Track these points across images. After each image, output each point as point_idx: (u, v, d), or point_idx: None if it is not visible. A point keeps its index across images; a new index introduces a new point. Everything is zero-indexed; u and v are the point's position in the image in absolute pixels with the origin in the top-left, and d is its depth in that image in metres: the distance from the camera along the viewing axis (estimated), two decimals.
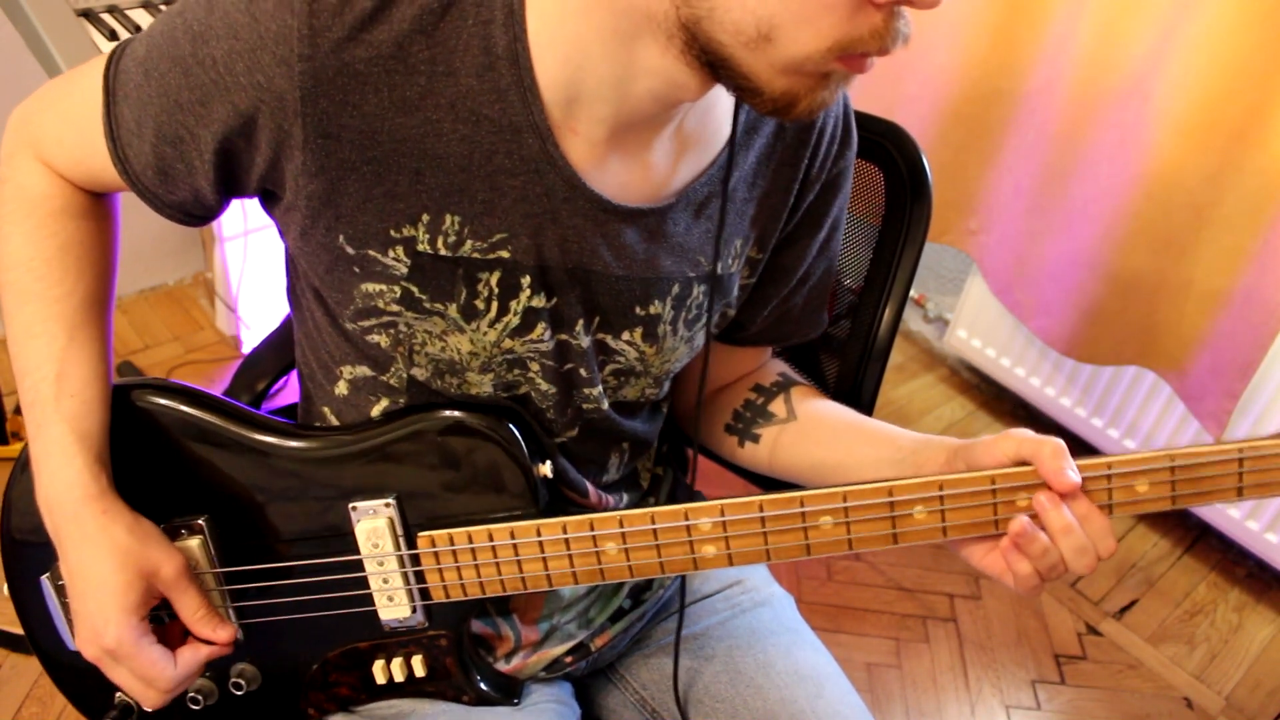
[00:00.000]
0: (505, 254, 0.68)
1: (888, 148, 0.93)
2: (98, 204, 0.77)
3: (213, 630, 0.73)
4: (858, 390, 0.98)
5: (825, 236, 0.84)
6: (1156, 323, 1.76)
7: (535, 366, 0.74)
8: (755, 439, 0.90)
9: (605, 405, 0.79)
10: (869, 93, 1.99)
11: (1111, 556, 0.67)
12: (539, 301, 0.71)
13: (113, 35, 1.30)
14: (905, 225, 0.93)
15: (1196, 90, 1.54)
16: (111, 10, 1.33)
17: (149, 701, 0.72)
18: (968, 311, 2.14)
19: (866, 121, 0.94)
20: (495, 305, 0.70)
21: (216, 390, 0.80)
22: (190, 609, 0.73)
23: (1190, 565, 1.99)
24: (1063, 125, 1.75)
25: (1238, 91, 1.52)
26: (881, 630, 1.80)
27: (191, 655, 0.73)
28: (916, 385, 2.38)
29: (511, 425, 0.74)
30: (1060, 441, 0.67)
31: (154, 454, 0.76)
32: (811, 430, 0.87)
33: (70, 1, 1.31)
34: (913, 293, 2.41)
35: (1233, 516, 1.85)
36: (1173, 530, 2.05)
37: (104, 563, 0.69)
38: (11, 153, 0.75)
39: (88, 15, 1.31)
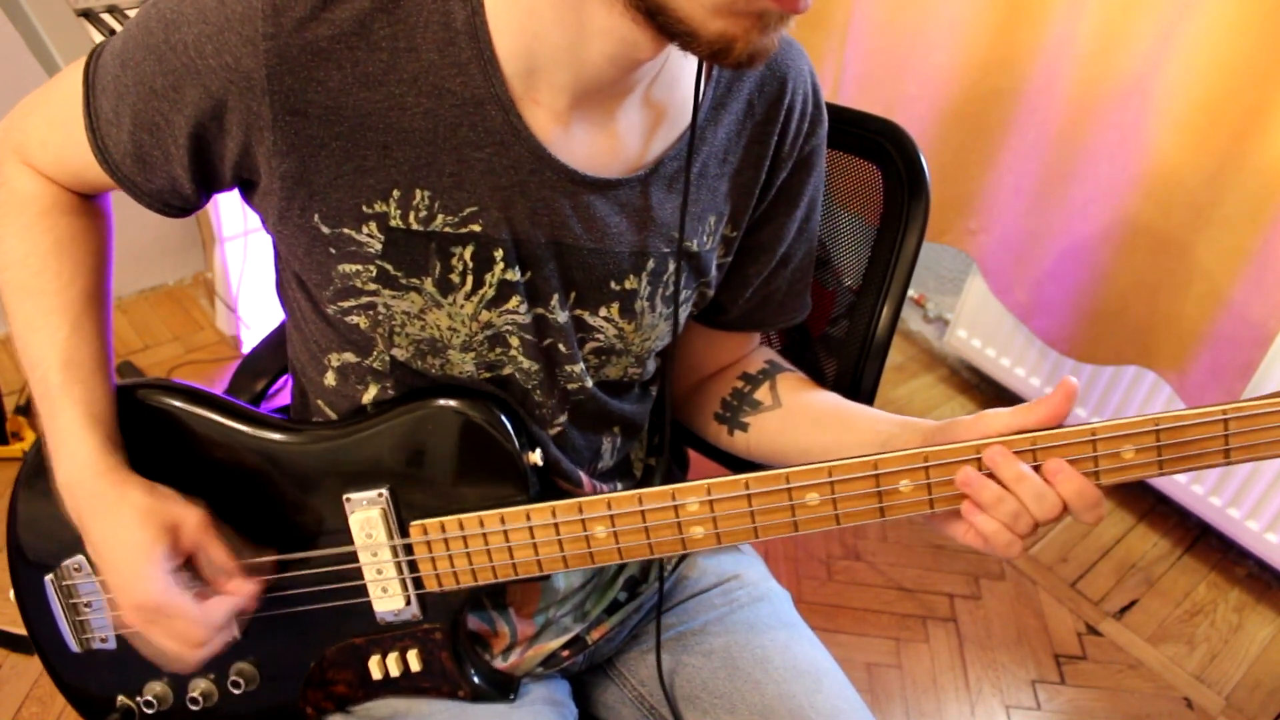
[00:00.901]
0: (477, 227, 0.69)
1: (885, 146, 0.93)
2: (88, 203, 0.79)
3: (238, 585, 0.74)
4: (856, 389, 0.98)
5: (803, 216, 0.84)
6: (1156, 323, 1.76)
7: (515, 342, 0.75)
8: (744, 427, 0.90)
9: (589, 384, 0.79)
10: (869, 93, 1.99)
11: (1098, 513, 0.66)
12: (513, 275, 0.71)
13: (112, 35, 1.30)
14: (903, 223, 0.94)
15: (1196, 90, 1.54)
16: (111, 10, 1.34)
17: (191, 657, 0.72)
18: (968, 311, 2.14)
19: (864, 120, 0.95)
20: (470, 279, 0.71)
21: (216, 390, 0.81)
22: (218, 561, 0.73)
23: (1190, 565, 1.99)
24: (1063, 125, 1.75)
25: (1238, 91, 1.52)
26: (881, 630, 1.79)
27: (219, 604, 0.73)
28: (916, 385, 2.38)
29: (502, 414, 0.74)
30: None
31: (151, 451, 0.77)
32: (796, 418, 0.87)
33: (70, 1, 1.31)
34: (912, 292, 2.41)
35: (1233, 516, 1.85)
36: (1173, 530, 2.05)
37: (127, 525, 0.70)
38: (0, 161, 0.77)
39: (88, 15, 1.32)
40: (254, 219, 2.00)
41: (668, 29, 0.59)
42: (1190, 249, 1.66)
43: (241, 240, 2.05)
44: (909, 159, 0.92)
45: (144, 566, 0.70)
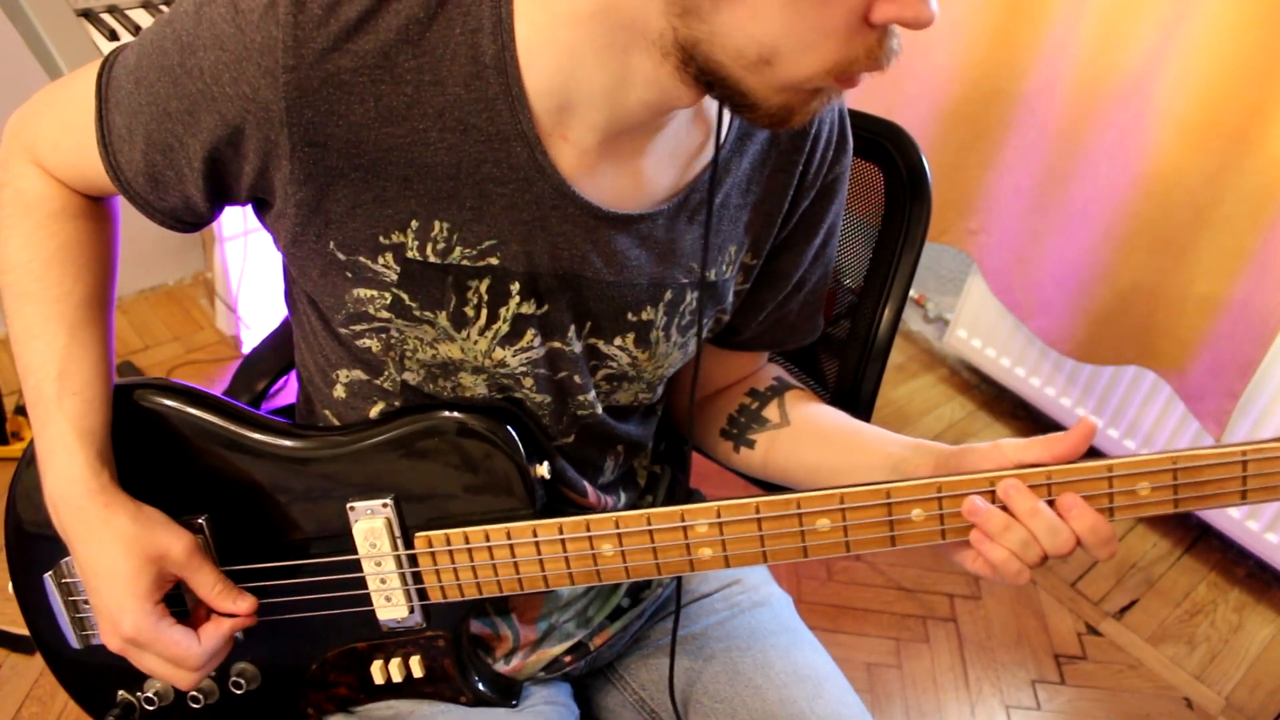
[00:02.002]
0: (495, 261, 0.68)
1: (887, 148, 0.93)
2: (96, 206, 0.77)
3: (233, 603, 0.74)
4: (857, 390, 0.98)
5: (821, 242, 0.83)
6: (1156, 323, 1.76)
7: (529, 383, 0.74)
8: (750, 444, 0.89)
9: (599, 410, 0.79)
10: (869, 93, 1.98)
11: (1111, 549, 0.66)
12: (529, 308, 0.71)
13: (113, 35, 1.30)
14: (905, 225, 0.93)
15: (1196, 90, 1.54)
16: (111, 10, 1.33)
17: (183, 682, 0.73)
18: (968, 311, 2.14)
19: (866, 121, 0.94)
20: (485, 313, 0.70)
21: (217, 390, 0.80)
22: (207, 586, 0.73)
23: (1190, 565, 1.99)
24: (1063, 125, 1.75)
25: (1238, 91, 1.52)
26: (881, 630, 1.80)
27: (215, 629, 0.73)
28: (916, 385, 2.37)
29: (509, 426, 0.74)
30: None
31: (154, 453, 0.76)
32: (804, 436, 0.87)
33: (70, 1, 1.31)
34: (913, 293, 2.41)
35: (1233, 516, 1.85)
36: (1173, 530, 2.05)
37: (111, 553, 0.70)
38: (8, 157, 0.75)
39: (88, 15, 1.31)
40: (254, 219, 2.01)
41: (727, 99, 0.60)
42: (1190, 249, 1.66)
43: (241, 240, 2.05)
44: (910, 160, 0.92)
45: (127, 599, 0.69)
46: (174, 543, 0.71)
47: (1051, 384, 2.05)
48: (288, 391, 1.00)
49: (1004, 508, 0.67)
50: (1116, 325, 1.81)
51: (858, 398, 0.98)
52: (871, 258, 0.97)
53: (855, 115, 0.94)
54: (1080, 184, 1.76)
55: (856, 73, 0.59)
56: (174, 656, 0.71)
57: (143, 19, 1.34)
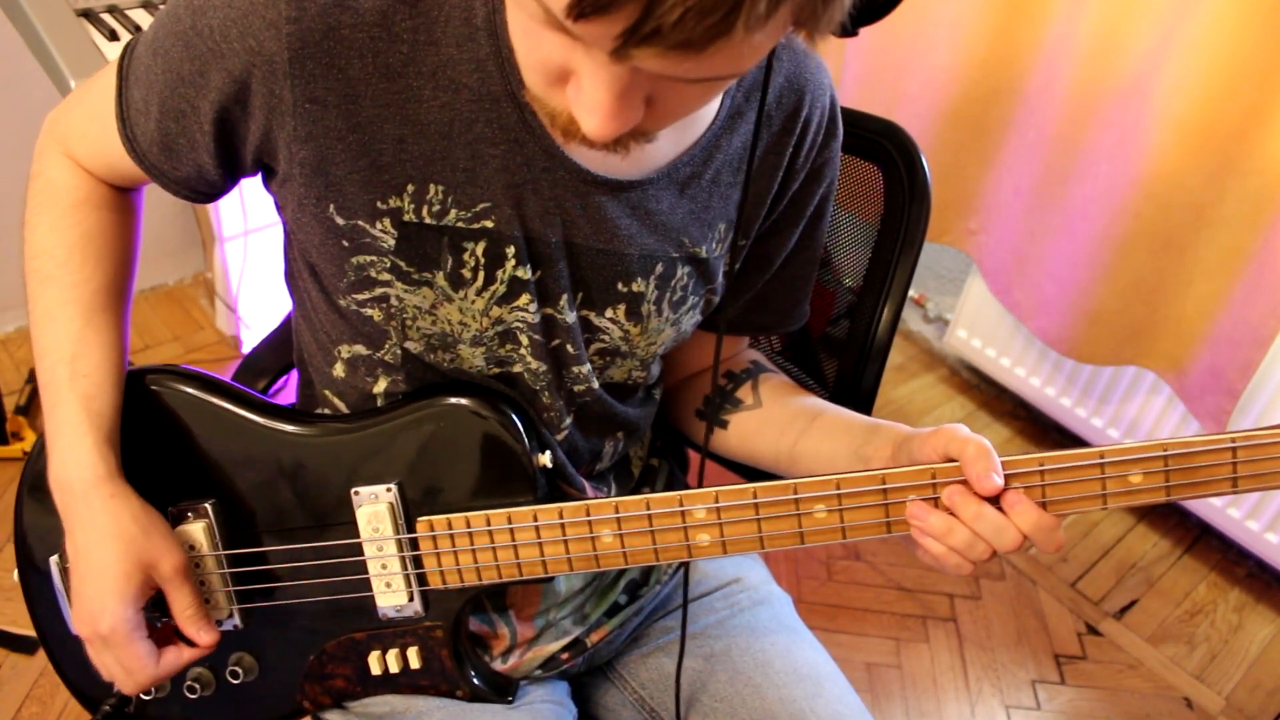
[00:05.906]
0: (489, 223, 0.70)
1: (886, 147, 0.94)
2: (120, 197, 0.80)
3: (197, 631, 0.74)
4: (856, 389, 0.98)
5: (807, 227, 0.84)
6: (1156, 323, 1.76)
7: (524, 340, 0.75)
8: (723, 424, 0.90)
9: (595, 385, 0.80)
10: (869, 93, 1.99)
11: (1056, 540, 0.67)
12: (524, 273, 0.72)
13: (113, 35, 1.30)
14: (904, 225, 0.94)
15: (1196, 90, 1.54)
16: (111, 10, 1.33)
17: (125, 688, 0.74)
18: (968, 311, 2.14)
19: (865, 121, 0.95)
20: (482, 274, 0.71)
21: (226, 378, 0.81)
22: (182, 605, 0.74)
23: (1190, 565, 1.99)
24: (1062, 125, 1.75)
25: (1238, 91, 1.52)
26: (881, 630, 1.80)
27: (175, 656, 0.74)
28: (916, 385, 2.38)
29: (513, 414, 0.75)
30: (986, 442, 0.67)
31: (163, 437, 0.77)
32: (773, 418, 0.88)
33: (70, 2, 1.31)
34: (913, 293, 2.41)
35: (1233, 516, 1.85)
36: (1173, 530, 2.05)
37: (108, 549, 0.70)
38: (43, 150, 0.79)
39: (88, 15, 1.32)
40: (254, 219, 2.01)
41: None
42: (1190, 249, 1.66)
43: (241, 240, 2.05)
44: (910, 160, 0.93)
45: (109, 598, 0.70)
46: (167, 555, 0.72)
47: (1051, 384, 2.05)
48: (288, 391, 1.00)
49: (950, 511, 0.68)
50: (1116, 325, 1.81)
51: (857, 396, 0.98)
52: (871, 258, 0.97)
53: (855, 115, 0.94)
54: (1080, 184, 1.76)
55: (571, 129, 0.58)
56: (129, 667, 0.72)
57: (143, 19, 1.34)
